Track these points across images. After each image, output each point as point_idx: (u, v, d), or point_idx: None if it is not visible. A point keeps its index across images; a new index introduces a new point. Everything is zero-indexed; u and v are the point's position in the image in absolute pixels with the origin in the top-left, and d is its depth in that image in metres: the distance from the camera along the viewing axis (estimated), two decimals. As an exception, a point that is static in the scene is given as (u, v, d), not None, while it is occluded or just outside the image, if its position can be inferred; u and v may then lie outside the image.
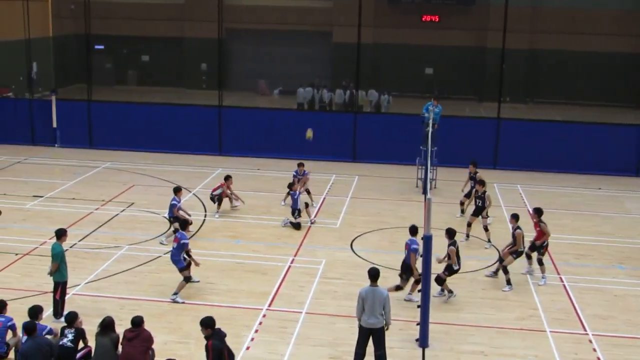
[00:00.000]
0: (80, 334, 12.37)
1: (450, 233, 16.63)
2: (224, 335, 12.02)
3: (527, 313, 16.15)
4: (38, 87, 39.18)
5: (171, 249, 16.66)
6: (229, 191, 22.44)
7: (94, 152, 30.51)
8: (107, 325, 12.12)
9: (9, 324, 12.74)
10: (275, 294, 16.73)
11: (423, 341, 14.40)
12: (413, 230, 16.56)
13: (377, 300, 12.94)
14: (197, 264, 16.54)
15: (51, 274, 14.95)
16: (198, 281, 17.12)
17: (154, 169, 27.74)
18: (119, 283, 17.06)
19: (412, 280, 16.45)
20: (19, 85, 38.88)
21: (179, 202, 20.00)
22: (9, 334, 12.76)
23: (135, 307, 15.47)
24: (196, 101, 35.02)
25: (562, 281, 18.02)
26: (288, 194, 22.56)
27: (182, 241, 16.22)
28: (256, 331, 14.88)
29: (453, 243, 16.49)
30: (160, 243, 19.60)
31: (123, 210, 22.66)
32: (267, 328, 15.05)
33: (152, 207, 22.79)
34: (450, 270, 16.51)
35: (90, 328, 12.81)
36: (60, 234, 15.34)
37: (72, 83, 43.57)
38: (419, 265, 15.66)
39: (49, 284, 16.26)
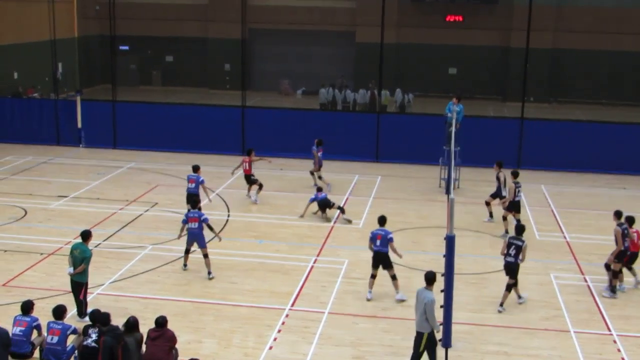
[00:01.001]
0: (115, 334, 12.31)
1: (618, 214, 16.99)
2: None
3: (552, 313, 16.06)
4: (63, 87, 39.57)
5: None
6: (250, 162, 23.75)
7: (118, 152, 30.75)
8: (132, 325, 12.20)
9: (35, 324, 12.85)
10: (298, 293, 16.76)
11: (446, 341, 14.32)
12: (382, 221, 16.72)
13: (420, 302, 13.01)
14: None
15: (73, 274, 15.00)
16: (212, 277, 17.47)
17: (177, 169, 27.89)
18: (143, 283, 17.17)
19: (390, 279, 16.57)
20: (44, 85, 39.32)
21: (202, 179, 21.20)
22: (34, 333, 12.88)
23: (158, 307, 15.57)
24: (220, 101, 35.26)
25: (587, 281, 17.89)
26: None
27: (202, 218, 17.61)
28: (279, 331, 14.92)
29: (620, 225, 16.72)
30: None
31: (147, 210, 22.81)
32: (289, 328, 15.08)
33: (176, 206, 22.90)
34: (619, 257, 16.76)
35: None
36: (87, 235, 15.43)
37: (97, 84, 43.99)
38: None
39: (73, 283, 16.45)
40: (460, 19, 44.37)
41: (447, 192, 22.79)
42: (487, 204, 22.48)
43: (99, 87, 43.19)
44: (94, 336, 12.21)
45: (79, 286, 15.03)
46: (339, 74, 43.20)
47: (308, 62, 46.17)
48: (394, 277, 16.50)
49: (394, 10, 41.63)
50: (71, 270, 14.91)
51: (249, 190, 24.22)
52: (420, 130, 29.65)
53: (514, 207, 20.88)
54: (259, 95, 40.98)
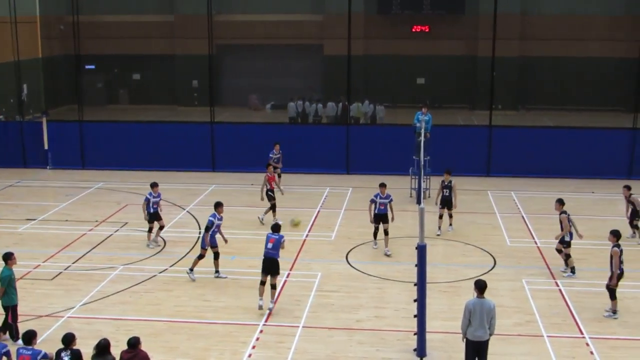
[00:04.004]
0: (77, 356, 12.26)
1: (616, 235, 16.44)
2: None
3: (525, 319, 16.14)
4: (29, 109, 39.19)
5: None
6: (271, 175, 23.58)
7: (86, 173, 30.46)
8: (103, 348, 11.99)
9: (4, 350, 12.62)
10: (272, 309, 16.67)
11: (421, 351, 14.36)
12: (276, 228, 16.70)
13: (485, 312, 12.85)
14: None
15: None
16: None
17: (147, 188, 27.46)
18: (115, 304, 16.97)
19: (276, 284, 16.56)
20: (9, 107, 38.88)
21: (152, 196, 20.87)
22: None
23: (131, 328, 15.39)
24: (188, 118, 35.14)
25: (558, 286, 18.01)
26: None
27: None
28: (253, 347, 14.82)
29: (617, 245, 16.26)
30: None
31: (117, 230, 22.61)
32: (264, 344, 14.99)
33: (146, 226, 22.62)
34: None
35: (86, 351, 12.67)
36: (6, 257, 15.05)
37: (63, 104, 43.55)
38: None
39: (43, 307, 16.28)
40: (427, 29, 44.64)
41: (418, 201, 22.84)
42: (441, 217, 22.37)
43: (65, 108, 42.76)
44: (66, 359, 12.03)
45: (4, 309, 14.83)
46: (307, 87, 43.23)
47: (276, 76, 46.12)
48: (274, 287, 16.40)
49: (361, 23, 41.78)
50: None
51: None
52: (389, 141, 29.75)
53: (444, 203, 21.86)
54: (227, 111, 40.83)
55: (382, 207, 20.21)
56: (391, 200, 20.37)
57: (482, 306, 12.85)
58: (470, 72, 43.91)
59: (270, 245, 16.36)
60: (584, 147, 29.26)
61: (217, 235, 18.43)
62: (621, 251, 16.13)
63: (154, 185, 21.19)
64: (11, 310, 14.84)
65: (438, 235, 21.86)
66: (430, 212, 21.90)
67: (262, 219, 23.24)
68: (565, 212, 18.70)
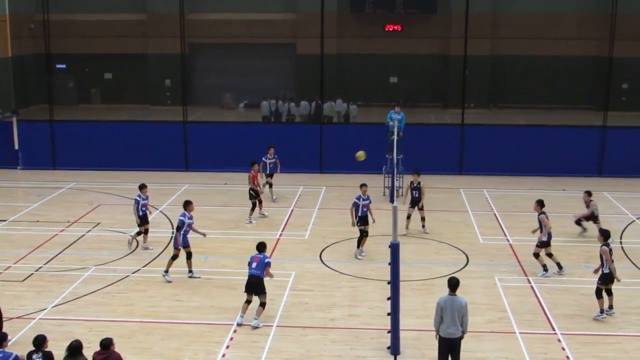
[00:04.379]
0: (48, 358, 12.17)
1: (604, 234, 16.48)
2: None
3: (497, 316, 16.27)
4: (-1, 108, 38.74)
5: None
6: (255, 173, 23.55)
7: (57, 173, 30.18)
8: (74, 349, 11.91)
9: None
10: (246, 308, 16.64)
11: (395, 349, 14.42)
12: (261, 247, 16.16)
13: (457, 309, 12.94)
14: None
15: None
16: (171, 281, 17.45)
17: (119, 188, 27.52)
18: (87, 305, 16.84)
19: (258, 303, 15.87)
20: (-21, 108, 38.42)
21: (141, 198, 20.58)
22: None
23: (103, 329, 15.29)
24: (161, 117, 34.93)
25: (530, 282, 18.18)
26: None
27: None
28: (227, 347, 14.79)
29: (606, 244, 16.20)
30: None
31: (89, 230, 22.43)
32: (238, 343, 14.96)
33: (119, 226, 22.58)
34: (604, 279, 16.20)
35: (59, 352, 12.56)
36: None
37: (33, 104, 43.12)
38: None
39: (14, 309, 16.13)
40: (399, 28, 44.74)
41: (391, 200, 22.92)
42: (409, 217, 22.41)
43: (36, 107, 42.30)
44: (38, 361, 11.94)
45: None
46: (280, 87, 43.17)
47: (249, 75, 45.98)
48: (263, 305, 15.87)
49: (334, 22, 41.77)
50: None
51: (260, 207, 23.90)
52: (363, 140, 29.66)
53: (413, 203, 21.99)
54: (200, 110, 40.71)
55: (365, 209, 20.05)
56: (370, 201, 20.33)
57: (452, 303, 12.97)
58: (443, 71, 44.14)
59: (254, 265, 15.86)
60: (555, 145, 29.59)
61: (190, 235, 18.35)
62: (610, 250, 16.15)
63: (142, 187, 20.79)
64: None
65: (405, 234, 21.85)
66: (403, 210, 22.02)
67: (264, 214, 23.77)
68: (544, 213, 18.73)
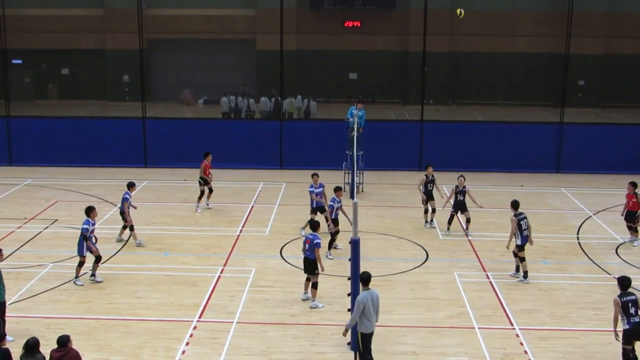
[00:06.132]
0: (5, 356, 12.00)
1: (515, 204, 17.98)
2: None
3: (456, 311, 16.40)
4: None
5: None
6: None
7: (14, 169, 29.71)
8: (32, 346, 11.77)
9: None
10: (206, 305, 16.57)
11: (354, 345, 14.46)
12: (314, 226, 17.01)
13: (376, 302, 13.34)
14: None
15: None
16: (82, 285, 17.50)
17: (77, 184, 27.19)
18: (45, 302, 16.64)
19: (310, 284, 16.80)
20: None
21: (130, 196, 20.63)
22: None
23: (62, 326, 15.09)
24: (119, 113, 34.58)
25: (489, 278, 18.36)
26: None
27: None
28: (187, 344, 14.71)
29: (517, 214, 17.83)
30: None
31: (46, 227, 22.13)
32: (198, 340, 14.89)
33: (77, 223, 22.18)
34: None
35: (16, 350, 12.42)
36: None
37: (-11, 99, 42.35)
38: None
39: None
40: (359, 24, 44.80)
41: (352, 196, 22.95)
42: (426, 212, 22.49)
43: (-8, 103, 41.66)
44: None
45: None
46: (240, 82, 42.99)
47: (209, 71, 45.67)
48: (314, 285, 16.65)
49: (293, 18, 41.72)
50: None
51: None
52: (323, 136, 29.84)
53: (457, 207, 22.03)
54: (159, 106, 40.36)
55: (337, 212, 20.14)
56: (342, 204, 20.39)
57: (371, 296, 13.33)
58: (402, 68, 44.31)
59: (306, 246, 16.56)
60: (513, 142, 29.93)
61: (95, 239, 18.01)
62: (519, 220, 17.69)
63: (131, 185, 20.94)
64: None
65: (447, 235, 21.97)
66: (363, 206, 22.09)
67: (208, 205, 24.07)
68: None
